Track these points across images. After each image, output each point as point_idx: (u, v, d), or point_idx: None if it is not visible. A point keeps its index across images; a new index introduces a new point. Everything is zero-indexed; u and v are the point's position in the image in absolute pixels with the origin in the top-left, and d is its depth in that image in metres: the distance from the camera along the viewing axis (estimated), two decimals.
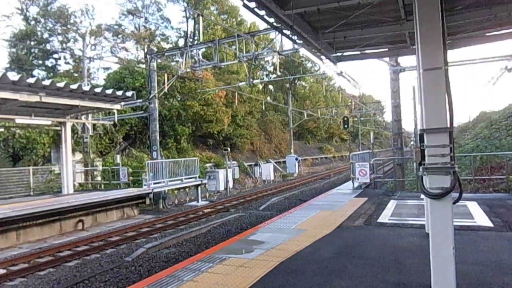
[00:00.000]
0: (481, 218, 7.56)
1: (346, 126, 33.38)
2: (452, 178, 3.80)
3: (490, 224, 7.01)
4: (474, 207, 8.68)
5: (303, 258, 5.42)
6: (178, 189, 19.82)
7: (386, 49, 10.31)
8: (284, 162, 36.71)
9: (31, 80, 11.60)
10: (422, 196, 9.28)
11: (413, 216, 8.14)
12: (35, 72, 35.55)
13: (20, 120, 14.61)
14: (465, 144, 23.41)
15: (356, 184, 13.53)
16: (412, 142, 38.51)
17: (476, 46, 9.31)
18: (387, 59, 16.66)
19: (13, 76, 11.33)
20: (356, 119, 47.83)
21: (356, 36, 8.65)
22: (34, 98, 12.21)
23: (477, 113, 43.21)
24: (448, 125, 3.84)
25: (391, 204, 9.79)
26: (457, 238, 3.92)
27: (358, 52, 10.04)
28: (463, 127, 37.78)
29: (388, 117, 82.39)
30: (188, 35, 40.63)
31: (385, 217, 8.20)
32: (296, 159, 35.08)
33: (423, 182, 3.97)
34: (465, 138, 27.22)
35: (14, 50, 34.66)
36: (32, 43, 34.39)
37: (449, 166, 3.80)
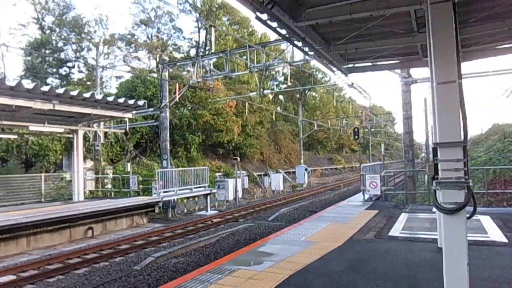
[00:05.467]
0: (495, 233, 7.41)
1: (356, 137, 33.25)
2: (466, 192, 3.74)
3: (505, 240, 6.86)
4: (487, 222, 8.53)
5: (313, 271, 5.36)
6: (188, 198, 19.85)
7: (398, 61, 10.30)
8: (294, 172, 36.57)
9: (45, 88, 11.81)
10: (434, 209, 9.16)
11: (425, 230, 8.01)
12: (49, 80, 36.16)
13: (33, 127, 14.82)
14: (478, 157, 23.07)
15: (366, 196, 13.40)
16: (423, 154, 38.11)
17: (489, 58, 9.25)
18: (398, 70, 16.60)
19: (28, 84, 11.54)
20: (366, 130, 47.59)
21: (367, 48, 8.67)
22: (48, 106, 12.39)
23: (490, 125, 42.65)
24: (462, 139, 3.79)
25: (402, 217, 9.66)
26: (470, 253, 3.84)
27: (370, 64, 10.04)
28: (475, 139, 37.24)
29: (399, 128, 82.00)
30: (200, 45, 41.04)
31: (397, 230, 8.08)
32: (306, 169, 34.94)
33: (436, 196, 3.91)
34: (477, 151, 26.81)
35: (29, 58, 35.33)
36: (47, 51, 35.04)
37: (463, 180, 3.75)
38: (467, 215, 3.87)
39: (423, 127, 20.18)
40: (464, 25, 7.11)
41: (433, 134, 5.57)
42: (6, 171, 19.85)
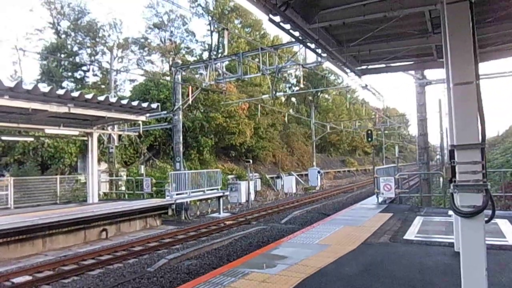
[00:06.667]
0: None
1: (369, 139, 32.88)
2: (485, 196, 3.66)
3: None
4: (505, 225, 8.35)
5: (327, 275, 5.31)
6: (200, 200, 19.90)
7: (412, 62, 10.18)
8: (306, 175, 36.40)
9: (60, 92, 11.99)
10: (450, 212, 9.00)
11: (440, 233, 7.88)
12: (64, 83, 36.72)
13: (49, 130, 15.05)
14: (494, 159, 22.68)
15: (380, 199, 13.26)
16: (437, 156, 37.58)
17: (505, 58, 9.08)
18: (412, 72, 16.41)
19: (44, 87, 11.75)
20: (380, 132, 47.17)
21: (381, 49, 8.58)
22: (63, 109, 12.58)
23: (506, 127, 41.96)
24: (480, 141, 3.71)
25: (417, 221, 9.52)
26: (488, 258, 3.75)
27: (383, 65, 9.95)
28: (491, 141, 36.70)
29: (412, 130, 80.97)
30: (212, 48, 41.21)
31: (412, 234, 7.97)
32: (319, 172, 34.73)
33: (453, 199, 3.83)
34: (494, 153, 26.37)
35: (45, 62, 35.91)
36: (62, 55, 35.57)
37: (481, 183, 3.66)
38: (485, 219, 3.78)
39: (438, 129, 19.95)
40: (480, 25, 6.98)
41: (448, 136, 5.48)
42: (23, 173, 20.20)
